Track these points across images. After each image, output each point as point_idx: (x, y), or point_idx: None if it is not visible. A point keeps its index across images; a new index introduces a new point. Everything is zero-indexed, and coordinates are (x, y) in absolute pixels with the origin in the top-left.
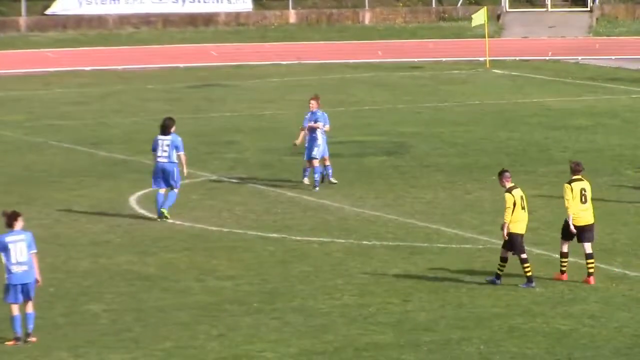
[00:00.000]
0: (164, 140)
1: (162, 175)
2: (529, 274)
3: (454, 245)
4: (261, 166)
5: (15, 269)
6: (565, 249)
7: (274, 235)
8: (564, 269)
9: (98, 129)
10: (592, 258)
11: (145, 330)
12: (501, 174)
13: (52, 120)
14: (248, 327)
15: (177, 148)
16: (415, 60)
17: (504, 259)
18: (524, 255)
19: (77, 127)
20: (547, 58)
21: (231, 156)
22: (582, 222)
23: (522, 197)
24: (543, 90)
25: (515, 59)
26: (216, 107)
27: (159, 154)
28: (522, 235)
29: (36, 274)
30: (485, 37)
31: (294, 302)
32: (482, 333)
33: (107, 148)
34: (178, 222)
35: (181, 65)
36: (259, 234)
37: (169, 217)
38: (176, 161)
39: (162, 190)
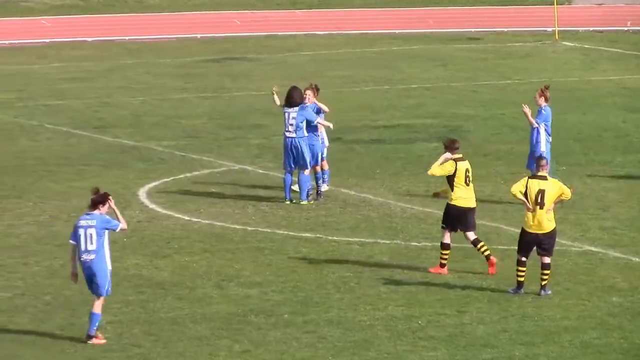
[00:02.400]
0: (291, 113)
1: (292, 154)
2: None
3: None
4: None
5: (83, 257)
6: (446, 237)
7: (307, 234)
8: (444, 261)
9: (102, 110)
10: (479, 243)
11: (157, 346)
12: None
13: (48, 99)
14: (277, 342)
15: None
16: (473, 30)
17: (522, 263)
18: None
19: (77, 108)
20: (626, 29)
21: (257, 142)
22: (465, 205)
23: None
24: (620, 66)
25: (588, 30)
26: (240, 85)
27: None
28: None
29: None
30: (553, 4)
31: (330, 313)
32: (550, 349)
33: (112, 132)
34: (195, 220)
35: (199, 35)
36: (290, 233)
37: (309, 202)
38: (306, 135)
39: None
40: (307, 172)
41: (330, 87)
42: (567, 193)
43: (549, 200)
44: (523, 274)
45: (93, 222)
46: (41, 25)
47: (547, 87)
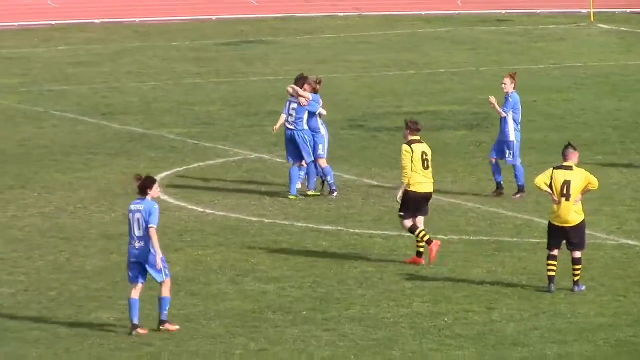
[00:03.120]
0: (292, 103)
1: (290, 147)
2: (420, 249)
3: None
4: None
5: (132, 243)
6: (409, 223)
7: (328, 227)
8: (421, 250)
9: (110, 96)
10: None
11: (168, 345)
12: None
13: (53, 84)
14: (295, 340)
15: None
16: (503, 12)
17: (552, 257)
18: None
19: (84, 94)
20: None
21: None
22: (423, 190)
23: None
24: None
25: (625, 12)
26: (256, 69)
27: (287, 119)
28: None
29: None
30: None
31: (351, 310)
32: (584, 348)
33: (121, 119)
34: (209, 212)
35: (213, 17)
36: (309, 225)
37: (315, 194)
38: (306, 128)
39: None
40: (303, 164)
41: (351, 72)
42: (595, 183)
43: (575, 192)
44: (553, 267)
45: (141, 207)
46: (47, 6)
47: (515, 73)
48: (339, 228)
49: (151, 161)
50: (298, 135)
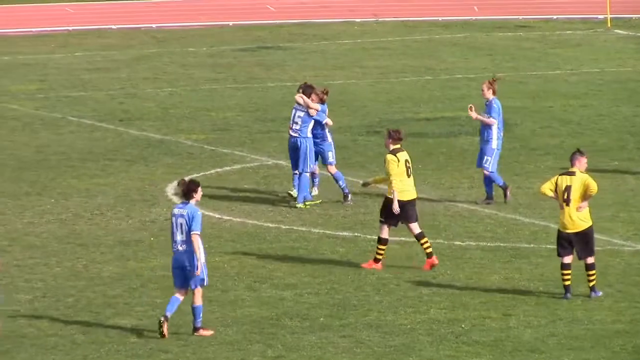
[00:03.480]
0: (298, 111)
1: (292, 155)
2: (428, 250)
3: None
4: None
5: (174, 247)
6: (385, 234)
7: (345, 233)
8: (379, 256)
9: (127, 102)
10: (423, 237)
11: (185, 351)
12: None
13: (70, 90)
14: (312, 347)
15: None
16: (520, 17)
17: (565, 266)
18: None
19: (101, 100)
20: None
21: None
22: (407, 197)
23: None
24: None
25: None
26: (274, 75)
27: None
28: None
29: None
30: None
31: (368, 317)
32: (600, 355)
33: (138, 125)
34: (226, 218)
35: (230, 22)
36: (326, 232)
37: (305, 206)
38: (309, 136)
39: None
40: (306, 174)
41: (368, 77)
42: (593, 187)
43: (574, 196)
44: (568, 277)
45: (185, 212)
46: (64, 11)
47: (495, 79)
48: (356, 234)
49: (168, 167)
50: (301, 142)
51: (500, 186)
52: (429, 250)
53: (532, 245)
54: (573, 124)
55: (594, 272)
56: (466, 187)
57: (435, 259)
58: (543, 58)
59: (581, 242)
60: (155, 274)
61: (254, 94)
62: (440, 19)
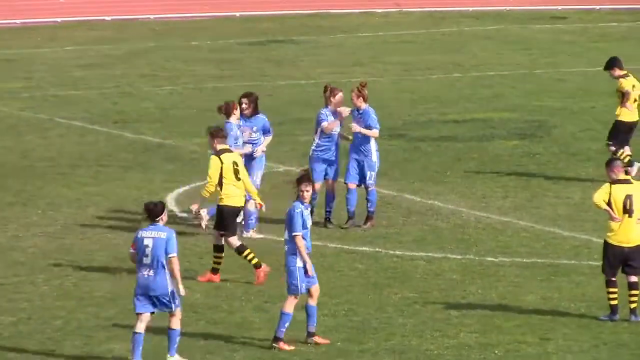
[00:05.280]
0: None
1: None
2: (253, 261)
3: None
4: (346, 153)
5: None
6: (236, 241)
7: (365, 248)
8: (217, 266)
9: (122, 102)
10: (245, 251)
11: None
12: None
13: (59, 89)
14: None
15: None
16: (559, 8)
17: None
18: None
19: (93, 99)
20: None
21: (305, 139)
22: (238, 203)
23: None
24: None
25: None
26: (285, 72)
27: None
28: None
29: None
30: None
31: (391, 341)
32: None
33: (134, 128)
34: None
35: (237, 13)
36: (344, 246)
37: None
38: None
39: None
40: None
41: (390, 75)
42: None
43: (638, 207)
44: (615, 295)
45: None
46: (52, 1)
47: (363, 85)
48: (377, 249)
49: (168, 174)
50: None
51: (350, 210)
52: (255, 261)
53: (572, 262)
54: None
55: (637, 292)
56: (500, 197)
57: (265, 267)
58: (584, 53)
59: (635, 258)
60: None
61: (263, 92)
62: (470, 9)
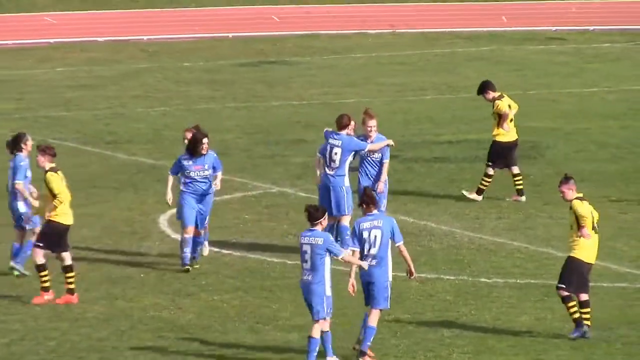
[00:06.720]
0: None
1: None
2: (72, 285)
3: (604, 284)
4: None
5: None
6: (41, 258)
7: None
8: (46, 285)
9: (115, 123)
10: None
11: None
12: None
13: (50, 110)
14: None
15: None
16: (553, 29)
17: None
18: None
19: (85, 120)
20: None
21: (299, 160)
22: (68, 222)
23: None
24: None
25: None
26: (278, 93)
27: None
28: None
29: None
30: None
31: None
32: None
33: (127, 149)
34: (225, 252)
35: (230, 34)
36: (337, 267)
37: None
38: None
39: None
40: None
41: (383, 95)
42: None
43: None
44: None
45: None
46: (44, 22)
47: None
48: None
49: (160, 195)
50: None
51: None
52: (72, 286)
53: None
54: (611, 147)
55: (589, 309)
56: (493, 218)
57: (76, 297)
58: (578, 74)
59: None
60: (147, 314)
61: (255, 114)
62: (464, 30)
